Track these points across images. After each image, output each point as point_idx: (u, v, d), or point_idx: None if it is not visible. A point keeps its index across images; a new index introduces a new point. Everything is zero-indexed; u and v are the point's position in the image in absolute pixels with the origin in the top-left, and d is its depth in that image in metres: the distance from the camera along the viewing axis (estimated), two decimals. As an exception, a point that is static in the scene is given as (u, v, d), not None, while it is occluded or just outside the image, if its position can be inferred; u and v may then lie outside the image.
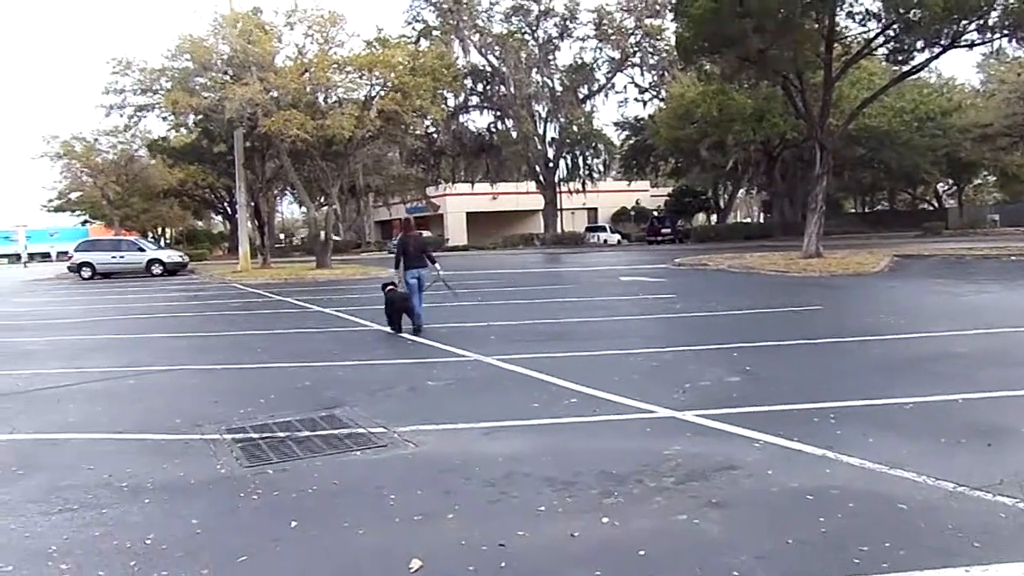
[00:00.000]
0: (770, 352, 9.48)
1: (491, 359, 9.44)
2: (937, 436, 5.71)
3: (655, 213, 63.77)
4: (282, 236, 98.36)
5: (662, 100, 55.06)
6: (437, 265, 13.29)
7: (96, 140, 51.20)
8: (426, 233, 64.27)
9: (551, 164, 57.41)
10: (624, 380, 7.95)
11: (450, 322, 13.47)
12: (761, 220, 68.24)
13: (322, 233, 35.77)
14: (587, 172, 58.97)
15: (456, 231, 67.06)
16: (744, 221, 74.09)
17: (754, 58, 25.97)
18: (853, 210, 71.73)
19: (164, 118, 39.39)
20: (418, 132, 45.92)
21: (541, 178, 57.65)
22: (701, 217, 69.11)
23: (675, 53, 34.76)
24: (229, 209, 65.12)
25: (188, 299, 21.43)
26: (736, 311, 13.62)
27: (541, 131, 56.94)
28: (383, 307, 12.72)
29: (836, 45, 26.55)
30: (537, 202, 60.66)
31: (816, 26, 25.75)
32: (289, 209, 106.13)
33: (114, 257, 35.64)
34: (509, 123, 56.81)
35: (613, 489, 4.86)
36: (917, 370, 8.03)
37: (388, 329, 12.48)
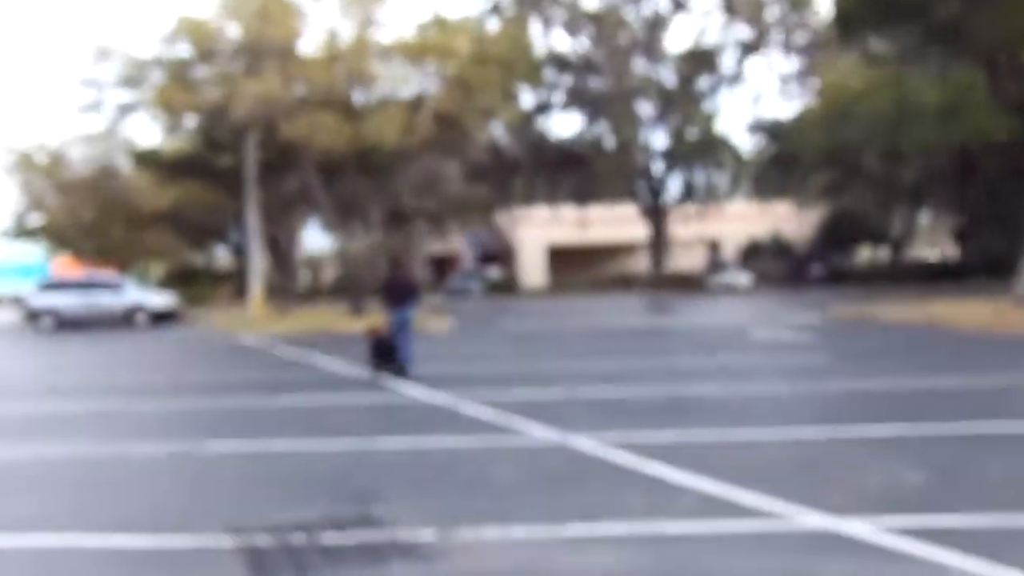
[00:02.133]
0: (967, 443, 9.21)
1: (577, 440, 9.42)
2: None
3: (801, 246, 63.06)
4: (307, 274, 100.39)
5: (812, 94, 54.74)
6: (412, 309, 16.06)
7: (65, 149, 52.86)
8: (494, 270, 64.80)
9: (659, 182, 57.54)
10: (760, 473, 7.84)
11: (522, 386, 13.50)
12: (954, 254, 66.67)
13: (358, 271, 36.45)
14: (707, 192, 58.94)
15: (532, 269, 67.58)
16: (928, 256, 72.48)
17: (945, 31, 25.37)
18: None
19: (154, 121, 40.49)
20: (484, 140, 46.65)
21: (645, 201, 57.78)
22: (866, 252, 68.06)
23: (831, 29, 34.53)
24: (238, 239, 66.88)
25: (180, 356, 21.93)
26: (917, 383, 13.34)
27: (646, 138, 57.22)
28: (371, 353, 15.75)
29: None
30: (639, 233, 60.79)
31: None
32: (315, 240, 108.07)
33: (84, 301, 36.62)
34: (604, 128, 57.26)
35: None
36: None
37: (394, 380, 15.07)
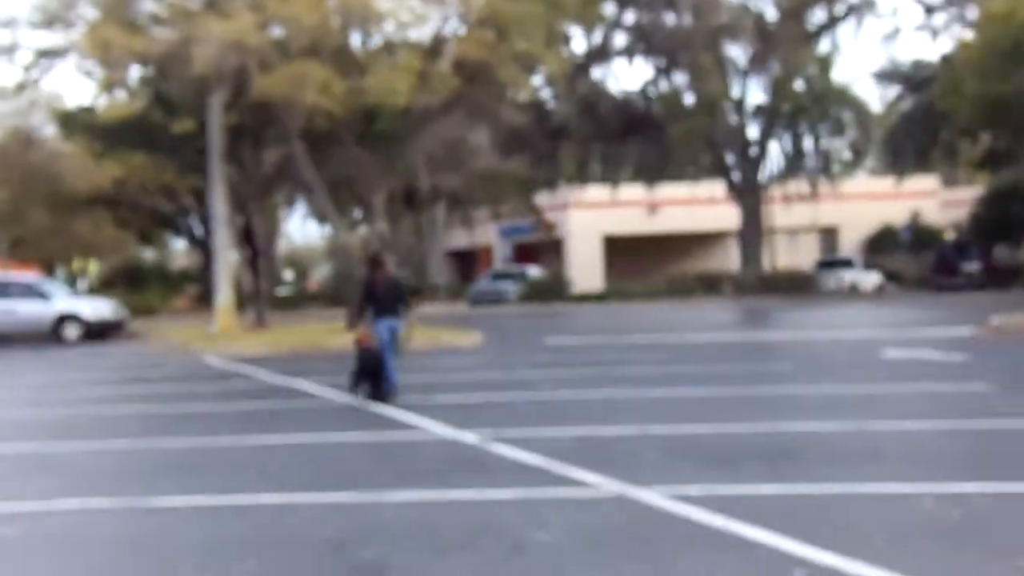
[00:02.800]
0: None
1: (647, 493, 9.40)
2: None
3: (949, 236, 62.60)
4: (289, 275, 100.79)
5: (968, 27, 54.03)
6: (411, 312, 17.26)
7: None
8: (534, 270, 64.87)
9: (755, 151, 57.27)
10: (897, 542, 7.76)
11: (573, 421, 13.50)
12: None
13: (356, 271, 36.54)
14: (821, 164, 58.59)
15: (585, 267, 67.62)
16: None
17: None
18: None
19: (87, 73, 40.55)
20: (523, 98, 46.58)
21: (735, 176, 57.53)
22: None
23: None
24: (200, 229, 67.40)
25: (125, 382, 22.07)
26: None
27: (738, 93, 56.95)
28: (356, 369, 16.80)
29: None
30: (728, 218, 60.71)
31: None
32: (302, 230, 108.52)
33: None
34: (681, 80, 57.03)
35: None
36: None
37: (353, 399, 16.72)
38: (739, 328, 34.75)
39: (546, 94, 54.70)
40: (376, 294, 16.57)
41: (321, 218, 70.64)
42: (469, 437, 12.88)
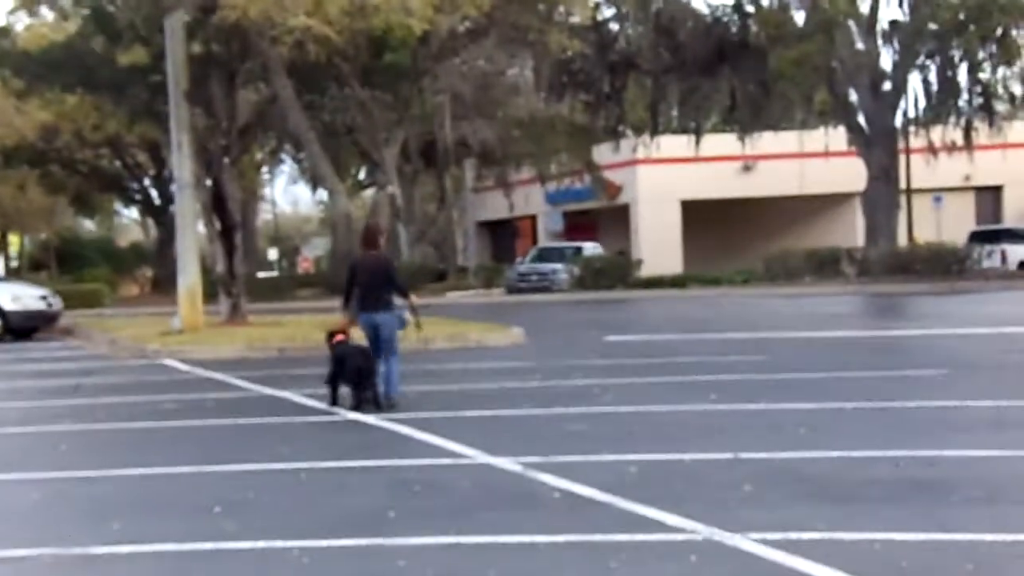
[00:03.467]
0: None
1: (742, 539, 9.39)
2: None
3: None
4: (273, 254, 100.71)
5: None
6: (410, 304, 17.82)
7: None
8: (591, 246, 64.94)
9: (888, 85, 56.90)
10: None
11: (640, 445, 13.58)
12: None
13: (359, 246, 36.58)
14: (980, 102, 58.03)
15: (659, 242, 67.61)
16: None
17: None
18: None
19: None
20: (577, 19, 46.47)
21: (862, 120, 57.18)
22: None
23: None
24: (155, 194, 67.56)
25: (55, 395, 22.17)
26: None
27: (867, 6, 56.49)
28: (330, 370, 17.69)
29: None
30: (849, 177, 60.34)
31: None
32: (289, 195, 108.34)
33: None
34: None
35: None
36: None
37: (334, 409, 17.40)
38: (863, 320, 34.62)
39: (608, 13, 54.56)
40: (361, 279, 16.96)
41: (314, 180, 70.63)
42: (507, 463, 12.91)
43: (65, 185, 69.10)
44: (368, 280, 16.84)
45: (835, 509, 10.47)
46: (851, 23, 55.61)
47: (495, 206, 77.92)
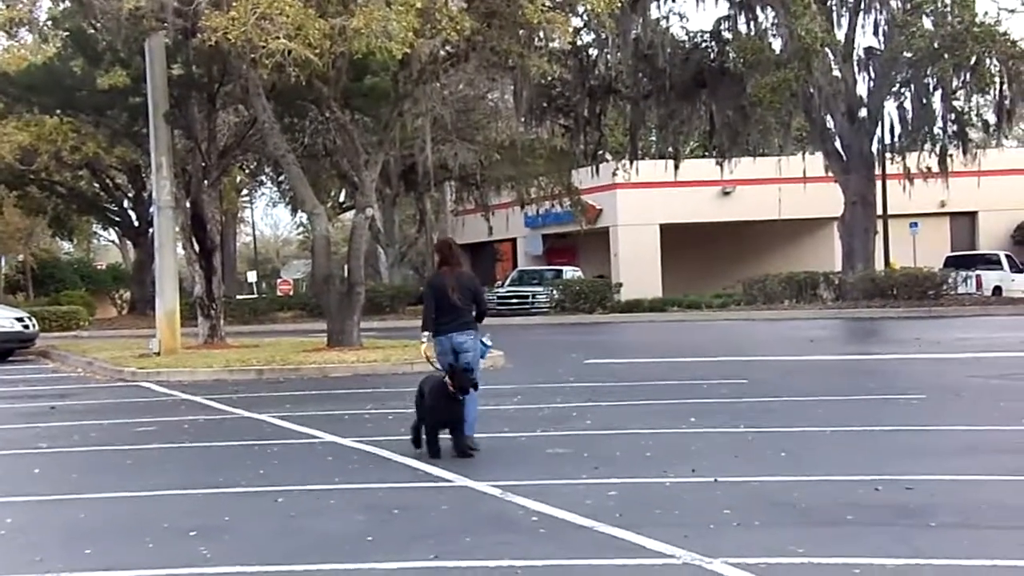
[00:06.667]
0: None
1: (722, 564, 9.34)
2: None
3: None
4: (252, 277, 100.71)
5: None
6: (486, 336, 15.83)
7: None
8: (571, 270, 64.93)
9: (863, 114, 57.11)
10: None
11: (624, 468, 13.44)
12: None
13: (342, 270, 36.47)
14: (952, 131, 58.21)
15: (638, 266, 67.69)
16: None
17: None
18: None
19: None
20: (555, 46, 46.48)
21: (839, 146, 57.36)
22: None
23: None
24: (134, 216, 67.39)
25: (30, 418, 22.05)
26: None
27: (842, 34, 56.75)
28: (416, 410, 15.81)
29: None
30: (826, 201, 60.48)
31: None
32: (269, 218, 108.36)
33: None
34: (765, 18, 56.94)
35: None
36: None
37: (414, 456, 15.15)
38: (844, 343, 34.66)
39: (588, 39, 54.62)
40: (444, 298, 15.08)
41: (294, 203, 70.62)
42: (486, 487, 12.86)
43: (43, 206, 68.84)
44: (457, 297, 14.98)
45: (814, 533, 10.48)
46: (828, 50, 55.69)
47: (475, 229, 77.97)
